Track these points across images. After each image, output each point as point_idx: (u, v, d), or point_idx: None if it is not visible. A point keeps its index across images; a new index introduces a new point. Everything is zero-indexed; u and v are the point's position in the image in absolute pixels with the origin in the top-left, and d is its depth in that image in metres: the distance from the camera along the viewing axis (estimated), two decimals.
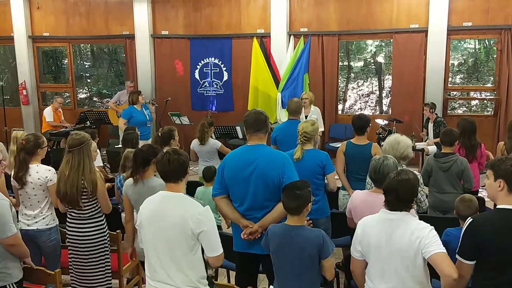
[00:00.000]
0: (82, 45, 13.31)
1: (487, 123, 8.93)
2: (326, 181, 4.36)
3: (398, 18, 9.05)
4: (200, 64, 10.29)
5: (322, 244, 2.92)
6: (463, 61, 12.41)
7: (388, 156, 3.57)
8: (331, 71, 9.47)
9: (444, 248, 2.64)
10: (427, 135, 8.12)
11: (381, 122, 8.36)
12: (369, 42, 12.78)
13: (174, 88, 10.32)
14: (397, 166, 3.47)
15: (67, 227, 3.88)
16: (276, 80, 8.30)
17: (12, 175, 3.98)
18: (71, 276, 3.96)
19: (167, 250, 2.76)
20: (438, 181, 4.80)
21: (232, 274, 4.03)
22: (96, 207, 3.85)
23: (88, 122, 9.46)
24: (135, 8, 10.26)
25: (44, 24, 11.10)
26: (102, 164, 6.77)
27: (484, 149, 5.35)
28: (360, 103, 13.72)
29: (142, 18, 10.28)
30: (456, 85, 11.34)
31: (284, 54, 8.84)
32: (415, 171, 3.22)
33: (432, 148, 7.16)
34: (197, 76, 10.34)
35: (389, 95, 10.97)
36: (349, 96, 13.69)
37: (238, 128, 8.12)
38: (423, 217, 3.65)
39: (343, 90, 12.76)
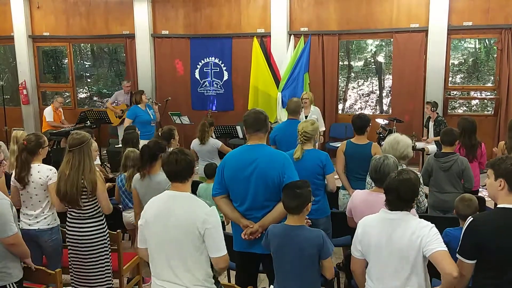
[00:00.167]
0: (82, 44, 13.32)
1: (487, 122, 8.94)
2: (325, 181, 4.35)
3: (398, 17, 9.05)
4: (200, 63, 10.29)
5: (322, 244, 2.92)
6: (463, 61, 12.40)
7: (388, 155, 3.56)
8: (331, 70, 9.47)
9: (445, 246, 2.64)
10: (428, 134, 8.12)
11: (381, 121, 8.34)
12: (369, 41, 12.78)
13: (174, 88, 10.33)
14: (398, 166, 3.47)
15: (67, 227, 3.88)
16: (277, 79, 8.29)
17: (13, 175, 3.97)
18: (71, 276, 3.96)
19: (175, 249, 2.75)
20: (438, 181, 4.80)
21: (232, 273, 4.02)
22: (96, 207, 3.84)
23: (88, 121, 9.45)
24: (135, 8, 10.27)
25: (44, 23, 11.11)
26: (99, 163, 6.77)
27: (485, 148, 5.36)
28: (360, 103, 13.72)
29: (142, 18, 10.29)
30: (457, 85, 11.34)
31: (284, 53, 8.83)
32: (415, 171, 3.22)
33: (432, 148, 7.15)
34: (197, 75, 10.34)
35: (389, 94, 10.98)
36: (349, 95, 13.68)
37: (238, 128, 8.11)
38: (423, 216, 3.63)
39: (343, 89, 12.75)
